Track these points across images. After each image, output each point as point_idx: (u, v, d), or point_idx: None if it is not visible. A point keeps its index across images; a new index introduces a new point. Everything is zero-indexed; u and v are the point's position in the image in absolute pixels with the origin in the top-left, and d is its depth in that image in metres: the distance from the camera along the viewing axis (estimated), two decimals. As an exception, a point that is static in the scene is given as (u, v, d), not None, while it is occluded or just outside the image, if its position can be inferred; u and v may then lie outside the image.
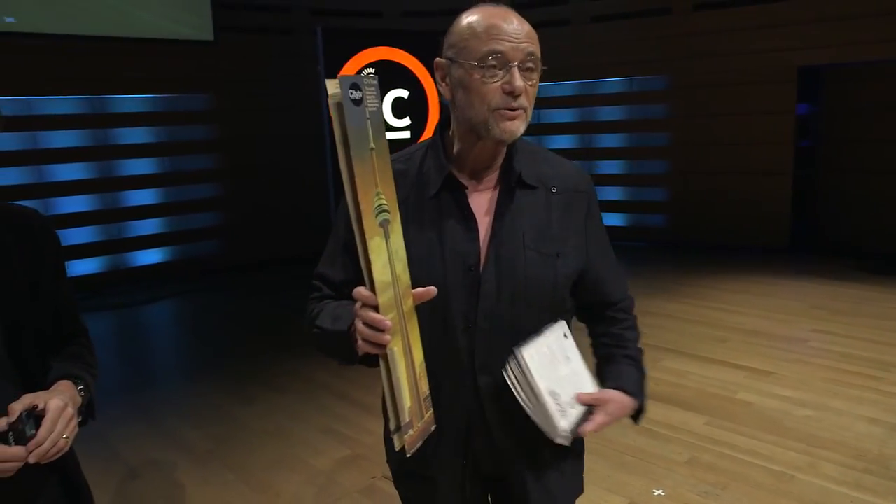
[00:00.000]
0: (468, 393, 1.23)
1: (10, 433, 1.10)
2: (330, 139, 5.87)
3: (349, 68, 5.82)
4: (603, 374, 1.32)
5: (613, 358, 1.33)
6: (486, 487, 1.37)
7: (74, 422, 1.18)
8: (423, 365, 1.06)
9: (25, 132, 5.99)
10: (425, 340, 1.10)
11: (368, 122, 0.90)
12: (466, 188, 1.21)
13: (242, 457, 3.18)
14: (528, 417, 1.16)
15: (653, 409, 3.43)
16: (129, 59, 6.35)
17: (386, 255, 0.94)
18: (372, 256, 0.91)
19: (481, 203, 1.22)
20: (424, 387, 1.06)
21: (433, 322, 1.19)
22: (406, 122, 6.42)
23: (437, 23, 7.84)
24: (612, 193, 7.94)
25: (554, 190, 1.23)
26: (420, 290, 1.02)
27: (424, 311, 1.09)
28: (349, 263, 1.23)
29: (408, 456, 1.03)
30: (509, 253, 1.18)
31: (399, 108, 6.31)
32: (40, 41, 5.81)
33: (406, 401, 1.00)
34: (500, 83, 1.10)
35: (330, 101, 0.87)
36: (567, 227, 1.24)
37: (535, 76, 1.14)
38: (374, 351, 0.97)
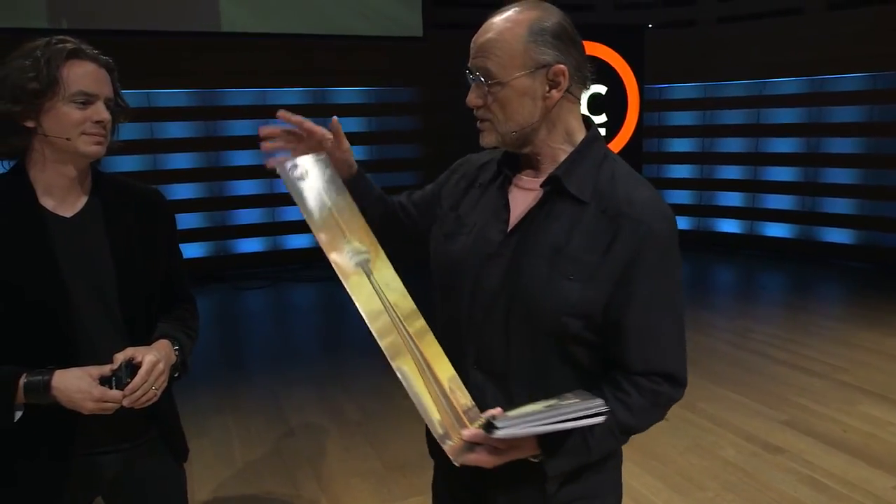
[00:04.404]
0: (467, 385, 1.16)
1: (113, 378, 1.30)
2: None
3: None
4: None
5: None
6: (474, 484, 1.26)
7: (165, 376, 1.36)
8: (456, 379, 1.10)
9: (257, 119, 6.87)
10: (440, 324, 1.17)
11: (320, 189, 1.13)
12: (511, 182, 1.23)
13: (385, 433, 3.37)
14: None
15: (830, 459, 3.00)
16: (347, 54, 6.96)
17: (370, 287, 1.08)
18: (353, 292, 1.07)
19: (523, 200, 1.20)
20: (463, 399, 1.09)
21: (446, 306, 1.24)
22: (602, 118, 6.22)
23: (651, 15, 7.49)
24: (840, 206, 6.94)
25: (603, 210, 1.11)
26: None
27: (443, 296, 1.24)
28: (427, 192, 1.44)
29: (457, 465, 1.06)
30: (520, 257, 1.14)
31: (595, 104, 6.13)
32: (270, 40, 6.62)
33: (433, 414, 1.06)
34: None
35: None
36: (598, 253, 1.09)
37: (497, 89, 1.12)
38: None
